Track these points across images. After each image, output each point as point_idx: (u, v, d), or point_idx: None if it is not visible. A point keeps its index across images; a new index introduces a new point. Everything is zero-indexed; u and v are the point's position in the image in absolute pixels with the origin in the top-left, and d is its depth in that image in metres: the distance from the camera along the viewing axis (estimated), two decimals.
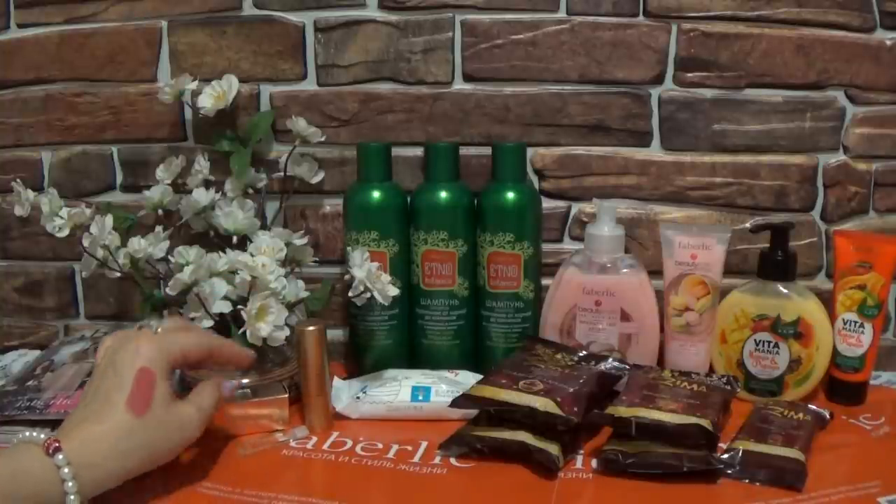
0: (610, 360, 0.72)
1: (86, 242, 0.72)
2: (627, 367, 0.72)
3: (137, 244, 0.72)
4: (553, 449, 0.61)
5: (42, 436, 0.51)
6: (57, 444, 0.50)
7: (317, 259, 0.81)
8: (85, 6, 0.84)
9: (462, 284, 0.78)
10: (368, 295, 0.70)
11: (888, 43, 0.79)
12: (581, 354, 0.73)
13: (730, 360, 0.75)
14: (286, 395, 0.69)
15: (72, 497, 0.50)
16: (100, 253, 0.72)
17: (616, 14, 0.80)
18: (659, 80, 0.81)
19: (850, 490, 0.59)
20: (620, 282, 0.74)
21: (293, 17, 0.82)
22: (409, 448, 0.66)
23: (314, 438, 0.68)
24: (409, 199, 0.79)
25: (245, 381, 0.71)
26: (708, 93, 0.81)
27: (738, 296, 0.75)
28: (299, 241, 0.77)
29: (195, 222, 0.80)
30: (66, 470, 0.50)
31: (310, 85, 0.84)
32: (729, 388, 0.70)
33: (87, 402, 0.56)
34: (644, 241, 0.84)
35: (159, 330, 0.61)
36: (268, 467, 0.63)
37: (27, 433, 0.52)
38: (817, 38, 0.79)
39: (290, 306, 0.72)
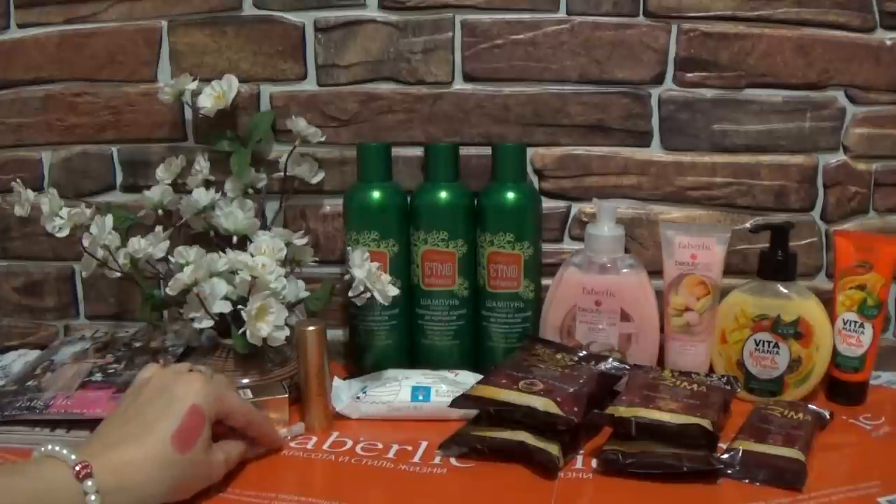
0: (610, 360, 0.72)
1: (86, 242, 0.72)
2: (627, 367, 0.72)
3: (137, 244, 0.72)
4: (553, 449, 0.61)
5: (73, 455, 0.49)
6: (88, 470, 0.49)
7: (317, 259, 0.81)
8: (85, 6, 0.84)
9: (462, 284, 0.78)
10: (368, 295, 0.70)
11: (888, 43, 0.79)
12: (581, 354, 0.73)
13: (730, 360, 0.75)
14: (286, 395, 0.69)
15: None
16: (100, 253, 0.72)
17: (616, 14, 0.80)
18: (659, 80, 0.81)
19: (850, 490, 0.59)
20: (620, 282, 0.74)
21: (293, 17, 0.82)
22: (409, 448, 0.66)
23: (314, 438, 0.68)
24: (409, 199, 0.79)
25: (245, 380, 0.71)
26: (708, 93, 0.81)
27: (738, 296, 0.75)
28: (299, 241, 0.77)
29: (195, 222, 0.79)
30: (92, 498, 0.48)
31: (310, 85, 0.84)
32: (729, 388, 0.70)
33: (124, 422, 0.55)
34: (644, 241, 0.84)
35: (212, 377, 0.60)
36: (268, 467, 0.63)
37: (56, 447, 0.50)
38: (817, 38, 0.79)
39: (290, 306, 0.72)
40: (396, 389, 0.71)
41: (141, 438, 0.53)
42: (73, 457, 0.49)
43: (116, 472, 0.50)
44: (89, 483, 0.48)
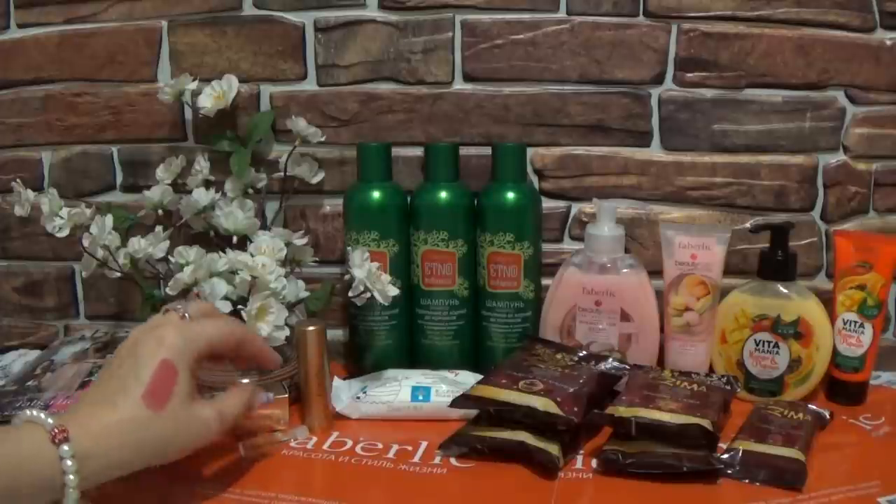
0: (610, 360, 0.72)
1: (86, 242, 0.72)
2: (627, 367, 0.72)
3: (137, 244, 0.72)
4: (553, 449, 0.61)
5: (50, 420, 0.48)
6: (64, 434, 0.48)
7: (317, 259, 0.81)
8: (85, 6, 0.84)
9: (462, 284, 0.78)
10: (368, 295, 0.70)
11: (888, 43, 0.79)
12: (581, 354, 0.73)
13: (730, 360, 0.75)
14: (286, 395, 0.69)
15: (71, 490, 0.48)
16: (100, 253, 0.72)
17: (616, 14, 0.80)
18: (659, 80, 0.81)
19: (850, 490, 0.59)
20: (620, 282, 0.74)
21: (293, 17, 0.82)
22: (409, 448, 0.66)
23: (314, 438, 0.68)
24: (409, 199, 0.79)
25: (245, 381, 0.71)
26: (708, 93, 0.81)
27: (738, 296, 0.75)
28: (299, 241, 0.77)
29: (195, 222, 0.80)
30: (69, 462, 0.48)
31: (310, 85, 0.84)
32: (729, 388, 0.70)
33: (101, 385, 0.53)
34: (644, 241, 0.84)
35: (187, 315, 0.57)
36: (268, 467, 0.63)
37: (34, 412, 0.49)
38: (817, 38, 0.79)
39: (290, 306, 0.72)
40: (396, 389, 0.71)
41: (114, 401, 0.51)
42: (50, 421, 0.48)
43: (93, 436, 0.49)
44: (65, 447, 0.48)
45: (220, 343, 0.57)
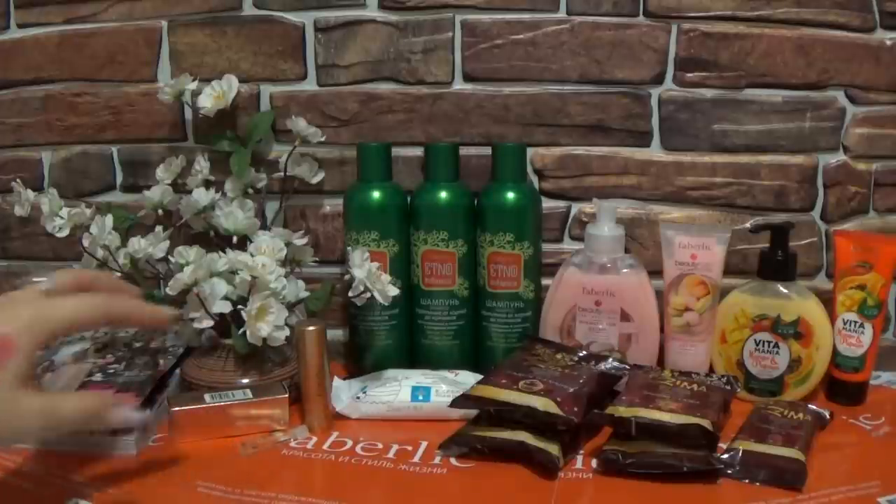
0: (610, 360, 0.72)
1: (86, 242, 0.72)
2: (627, 367, 0.72)
3: (137, 244, 0.72)
4: (553, 449, 0.61)
5: None
6: None
7: (317, 259, 0.81)
8: (85, 6, 0.84)
9: (462, 284, 0.78)
10: (368, 295, 0.70)
11: (888, 43, 0.79)
12: (581, 354, 0.73)
13: (730, 360, 0.75)
14: (286, 395, 0.69)
15: None
16: (100, 253, 0.72)
17: (616, 14, 0.80)
18: (659, 80, 0.81)
19: (850, 490, 0.59)
20: (620, 282, 0.74)
21: (293, 17, 0.82)
22: (409, 448, 0.66)
23: (314, 438, 0.68)
24: (409, 199, 0.79)
25: (245, 380, 0.71)
26: (708, 93, 0.81)
27: (738, 296, 0.75)
28: (299, 241, 0.77)
29: (195, 222, 0.79)
30: None
31: (310, 85, 0.84)
32: (729, 388, 0.70)
33: None
34: (644, 241, 0.84)
35: (50, 289, 0.52)
36: (268, 467, 0.63)
37: None
38: (817, 38, 0.79)
39: (290, 306, 0.72)
40: (396, 389, 0.71)
41: None
42: None
43: None
44: None
45: (81, 323, 0.52)
